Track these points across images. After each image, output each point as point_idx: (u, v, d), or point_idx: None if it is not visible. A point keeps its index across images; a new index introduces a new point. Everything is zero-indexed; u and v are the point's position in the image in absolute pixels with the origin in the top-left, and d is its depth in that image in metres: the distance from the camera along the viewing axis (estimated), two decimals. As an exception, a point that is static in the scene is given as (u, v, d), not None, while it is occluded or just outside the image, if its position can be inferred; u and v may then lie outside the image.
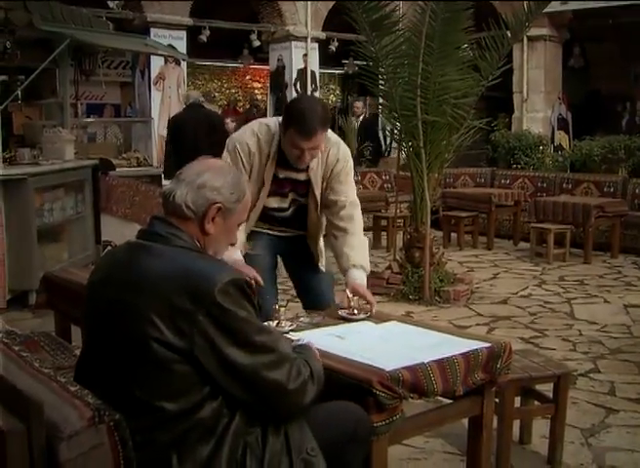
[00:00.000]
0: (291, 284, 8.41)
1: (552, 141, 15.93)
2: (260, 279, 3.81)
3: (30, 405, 1.96)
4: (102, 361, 2.38)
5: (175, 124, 9.97)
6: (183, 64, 14.57)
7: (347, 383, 2.82)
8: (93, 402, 2.09)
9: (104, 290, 2.43)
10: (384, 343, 3.24)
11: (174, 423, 2.25)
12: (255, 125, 4.15)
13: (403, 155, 8.22)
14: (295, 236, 4.41)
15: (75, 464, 1.98)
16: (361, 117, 15.64)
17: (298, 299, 7.49)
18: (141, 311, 2.25)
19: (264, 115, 17.65)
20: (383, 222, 11.21)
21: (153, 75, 14.23)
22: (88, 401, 2.09)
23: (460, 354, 3.07)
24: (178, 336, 2.22)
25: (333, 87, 22.25)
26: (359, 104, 16.02)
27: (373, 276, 8.08)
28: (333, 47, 16.80)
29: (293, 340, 2.88)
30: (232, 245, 2.72)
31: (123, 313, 2.30)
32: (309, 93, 15.97)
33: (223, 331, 2.25)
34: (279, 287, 7.46)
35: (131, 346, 2.27)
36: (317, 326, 3.49)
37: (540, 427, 4.37)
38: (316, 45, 16.32)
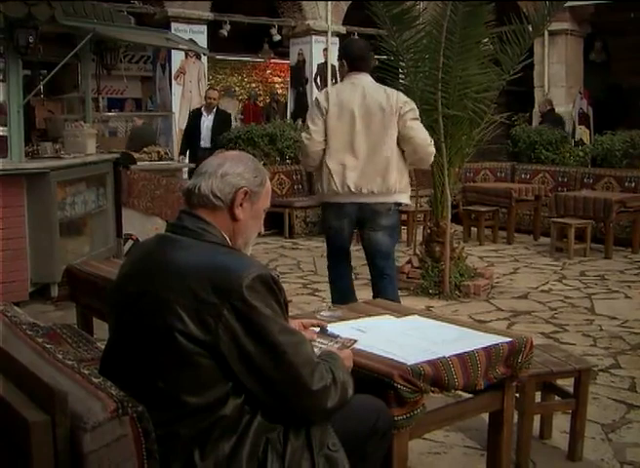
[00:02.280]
0: (313, 278, 8.43)
1: (573, 136, 15.84)
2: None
3: (54, 396, 1.97)
4: (128, 352, 2.40)
5: None
6: (204, 59, 14.63)
7: (369, 377, 2.83)
8: (116, 393, 2.10)
9: (132, 281, 2.46)
10: (406, 337, 3.25)
11: (197, 418, 2.26)
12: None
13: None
14: None
15: (99, 455, 1.99)
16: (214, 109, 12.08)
17: (318, 294, 7.52)
18: (167, 303, 2.27)
19: (285, 110, 17.67)
20: (403, 217, 11.16)
21: (174, 69, 14.30)
22: (111, 392, 2.10)
23: (482, 348, 3.08)
24: (202, 330, 2.23)
25: (353, 81, 22.20)
26: (214, 94, 12.55)
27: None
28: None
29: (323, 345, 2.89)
30: (259, 234, 2.72)
31: (149, 305, 2.32)
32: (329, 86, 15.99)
33: (247, 327, 2.26)
34: (302, 281, 7.64)
35: (156, 338, 2.29)
36: (339, 319, 3.50)
37: (561, 422, 4.36)
38: (337, 39, 16.30)
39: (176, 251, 2.41)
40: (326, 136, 5.67)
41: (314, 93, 15.87)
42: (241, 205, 2.52)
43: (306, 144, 5.71)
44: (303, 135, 5.80)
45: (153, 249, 2.51)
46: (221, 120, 12.23)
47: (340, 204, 5.69)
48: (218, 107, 12.15)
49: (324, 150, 5.68)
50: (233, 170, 2.53)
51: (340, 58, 6.25)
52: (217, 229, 2.48)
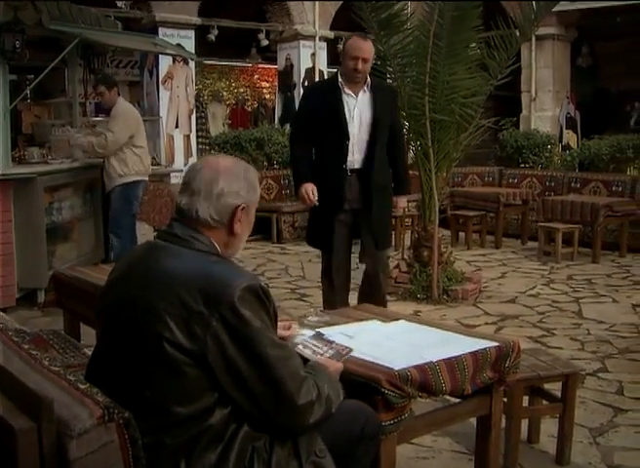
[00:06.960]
0: (301, 283, 8.43)
1: (560, 140, 15.89)
2: None
3: (41, 403, 1.97)
4: (115, 359, 2.37)
5: None
6: (192, 64, 14.58)
7: (356, 382, 2.83)
8: (102, 400, 2.09)
9: (120, 287, 2.43)
10: (393, 342, 3.25)
11: (183, 427, 2.24)
12: None
13: (411, 154, 8.21)
14: None
15: (85, 462, 1.98)
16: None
17: (306, 299, 7.52)
18: (156, 311, 2.24)
19: (272, 115, 17.67)
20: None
21: (161, 74, 14.24)
22: (97, 399, 2.10)
23: (469, 353, 3.08)
24: (190, 339, 2.21)
25: (341, 86, 22.19)
26: (366, 48, 5.72)
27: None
28: (341, 46, 16.76)
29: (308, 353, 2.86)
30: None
31: (137, 312, 2.30)
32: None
33: (235, 338, 2.23)
34: (289, 286, 7.65)
35: (143, 346, 2.26)
36: (326, 324, 3.49)
37: (549, 426, 4.37)
38: (324, 44, 16.29)
39: (165, 258, 2.39)
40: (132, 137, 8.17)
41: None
42: (239, 220, 2.49)
43: (110, 144, 7.97)
44: (109, 136, 7.96)
45: (143, 255, 2.49)
46: (392, 101, 6.15)
47: (144, 179, 8.47)
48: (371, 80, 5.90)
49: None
50: (229, 187, 2.45)
51: (109, 87, 8.24)
52: (206, 238, 2.44)
